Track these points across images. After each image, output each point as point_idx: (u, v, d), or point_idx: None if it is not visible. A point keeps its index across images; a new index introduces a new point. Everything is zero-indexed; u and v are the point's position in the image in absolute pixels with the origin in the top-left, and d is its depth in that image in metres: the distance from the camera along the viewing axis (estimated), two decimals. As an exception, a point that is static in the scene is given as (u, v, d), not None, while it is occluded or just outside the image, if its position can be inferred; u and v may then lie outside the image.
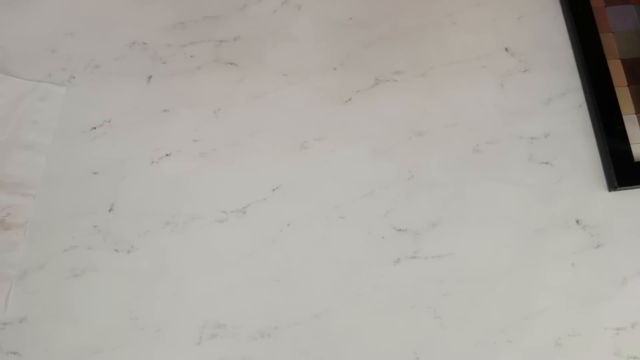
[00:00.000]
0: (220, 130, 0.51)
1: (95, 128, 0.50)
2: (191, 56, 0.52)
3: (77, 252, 0.47)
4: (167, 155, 0.50)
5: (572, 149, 0.51)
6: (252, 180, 0.49)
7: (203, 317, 0.46)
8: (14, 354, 0.45)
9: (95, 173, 0.49)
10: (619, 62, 0.52)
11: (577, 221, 0.49)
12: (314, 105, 0.51)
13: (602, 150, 0.50)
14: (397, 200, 0.49)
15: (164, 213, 0.48)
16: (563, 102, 0.52)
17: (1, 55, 0.52)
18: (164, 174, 0.49)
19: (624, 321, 0.47)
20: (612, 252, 0.48)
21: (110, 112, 0.51)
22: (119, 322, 0.46)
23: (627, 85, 0.52)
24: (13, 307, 0.46)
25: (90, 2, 0.54)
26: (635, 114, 0.51)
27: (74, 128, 0.50)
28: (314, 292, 0.47)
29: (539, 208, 0.49)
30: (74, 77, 0.52)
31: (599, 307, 0.47)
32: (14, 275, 0.46)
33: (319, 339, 0.46)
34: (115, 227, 0.48)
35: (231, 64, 0.53)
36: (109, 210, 0.48)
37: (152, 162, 0.50)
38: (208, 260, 0.47)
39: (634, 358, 0.46)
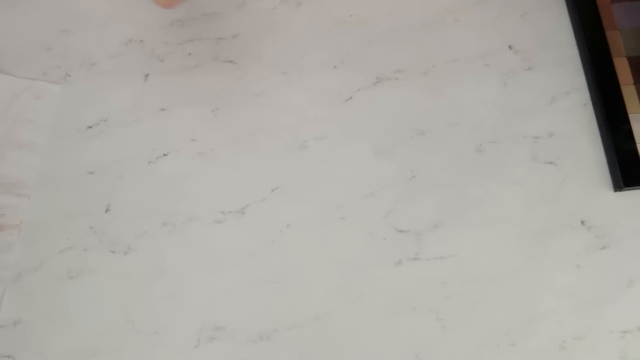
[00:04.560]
0: (219, 130, 0.50)
1: (91, 127, 0.50)
2: (189, 54, 0.52)
3: (72, 254, 0.46)
4: (164, 154, 0.49)
5: (577, 148, 0.50)
6: (251, 180, 0.49)
7: (201, 320, 0.45)
8: (8, 357, 0.44)
9: (91, 173, 0.48)
10: (625, 59, 0.52)
11: (582, 222, 0.49)
12: (313, 104, 0.51)
13: (608, 150, 0.50)
14: (399, 200, 0.49)
15: (161, 214, 0.48)
16: (568, 100, 0.52)
17: (-4, 53, 0.51)
18: (161, 174, 0.49)
19: (630, 324, 0.46)
20: (617, 254, 0.48)
21: (106, 111, 0.50)
22: (115, 325, 0.45)
23: (633, 84, 0.51)
24: (7, 309, 0.45)
25: (87, -1, 0.53)
26: (641, 112, 0.50)
27: (69, 127, 0.50)
28: (314, 294, 0.46)
29: (543, 209, 0.49)
30: (69, 75, 0.51)
31: (604, 309, 0.47)
32: (8, 277, 0.46)
33: (319, 341, 0.45)
34: (111, 228, 0.47)
35: (230, 62, 0.52)
36: (105, 211, 0.48)
37: (149, 161, 0.49)
38: (206, 261, 0.47)
39: (640, 362, 0.46)
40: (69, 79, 0.51)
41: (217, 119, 0.50)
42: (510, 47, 0.53)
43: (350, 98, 0.51)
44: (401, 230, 0.48)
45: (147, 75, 0.51)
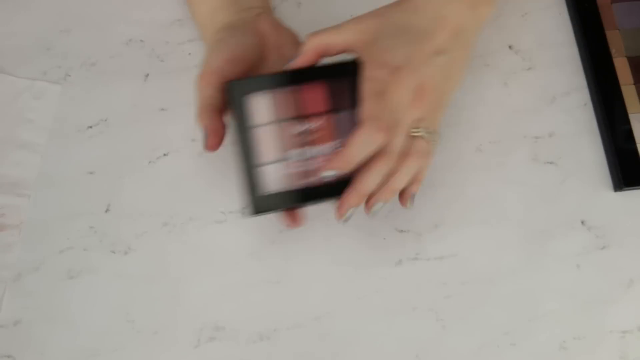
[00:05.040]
0: (219, 130, 0.50)
1: (91, 127, 0.50)
2: (189, 54, 0.52)
3: (73, 254, 0.46)
4: (164, 154, 0.49)
5: (577, 148, 0.50)
6: (251, 180, 0.49)
7: (201, 320, 0.45)
8: (9, 357, 0.44)
9: (91, 173, 0.49)
10: (625, 59, 0.52)
11: (582, 222, 0.49)
12: (314, 103, 0.51)
13: (608, 150, 0.50)
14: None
15: (161, 214, 0.48)
16: (568, 100, 0.52)
17: (-4, 52, 0.51)
18: (161, 174, 0.49)
19: (630, 324, 0.46)
20: (618, 254, 0.48)
21: (106, 111, 0.50)
22: (115, 325, 0.45)
23: (634, 84, 0.51)
24: (7, 309, 0.45)
25: (87, -1, 0.53)
26: (642, 112, 0.50)
27: (69, 127, 0.50)
28: (314, 294, 0.46)
29: (543, 208, 0.49)
30: (69, 75, 0.51)
31: (604, 309, 0.47)
32: (8, 277, 0.46)
33: (319, 341, 0.45)
34: (111, 228, 0.47)
35: (230, 61, 0.52)
36: (106, 211, 0.48)
37: (150, 161, 0.49)
38: (206, 261, 0.47)
39: (640, 361, 0.46)
40: (69, 78, 0.51)
41: (217, 119, 0.50)
42: (510, 47, 0.53)
43: (351, 98, 0.51)
44: (401, 230, 0.48)
45: (147, 75, 0.51)
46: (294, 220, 0.42)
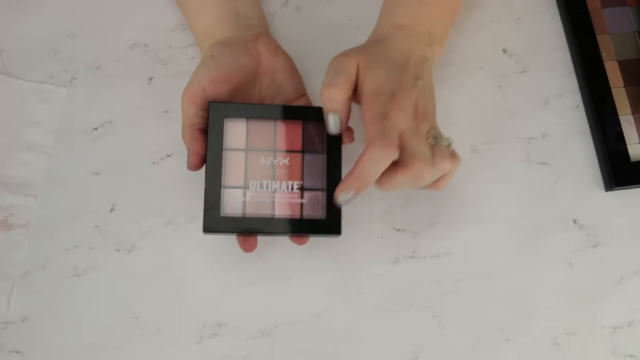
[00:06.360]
0: (221, 131, 0.51)
1: (96, 129, 0.51)
2: (192, 58, 0.53)
3: (78, 252, 0.47)
4: (167, 156, 0.50)
5: (570, 149, 0.51)
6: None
7: (204, 316, 0.46)
8: (17, 352, 0.45)
9: (96, 173, 0.49)
10: (615, 63, 0.53)
11: (574, 221, 0.50)
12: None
13: (599, 151, 0.51)
14: (396, 200, 0.50)
15: (164, 213, 0.49)
16: (560, 103, 0.53)
17: (3, 57, 0.52)
18: (165, 175, 0.50)
19: (621, 320, 0.47)
20: (608, 252, 0.49)
21: (111, 113, 0.51)
22: (120, 321, 0.46)
23: (624, 87, 0.52)
24: (15, 306, 0.46)
25: (92, 4, 0.54)
26: (632, 114, 0.51)
27: (75, 129, 0.50)
28: (313, 291, 0.47)
29: (537, 208, 0.50)
30: (75, 79, 0.52)
31: (595, 306, 0.48)
32: (16, 275, 0.47)
33: (318, 337, 0.46)
34: (116, 227, 0.48)
35: (231, 65, 0.53)
36: (110, 211, 0.49)
37: (153, 162, 0.50)
38: (208, 259, 0.48)
39: (631, 356, 0.46)
40: (75, 82, 0.52)
41: (219, 121, 0.51)
42: (504, 50, 0.54)
43: (349, 100, 0.52)
44: (398, 229, 0.49)
45: (151, 79, 0.52)
46: (246, 245, 0.43)
